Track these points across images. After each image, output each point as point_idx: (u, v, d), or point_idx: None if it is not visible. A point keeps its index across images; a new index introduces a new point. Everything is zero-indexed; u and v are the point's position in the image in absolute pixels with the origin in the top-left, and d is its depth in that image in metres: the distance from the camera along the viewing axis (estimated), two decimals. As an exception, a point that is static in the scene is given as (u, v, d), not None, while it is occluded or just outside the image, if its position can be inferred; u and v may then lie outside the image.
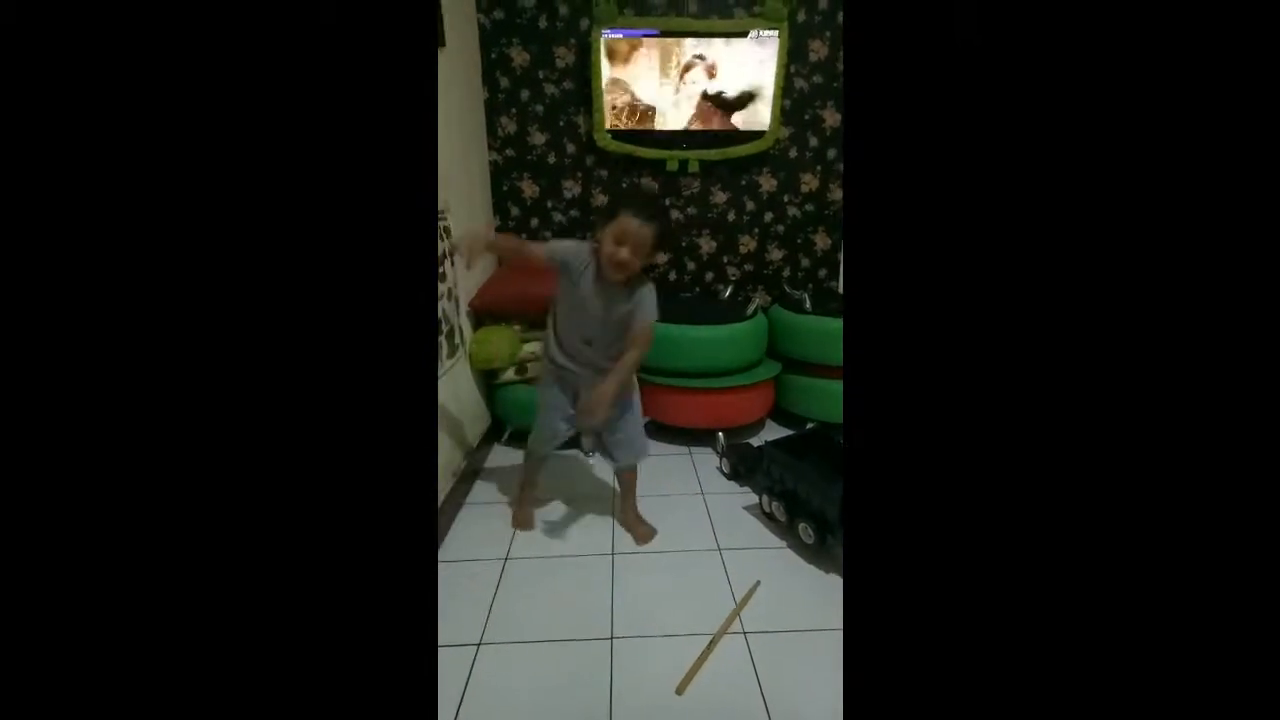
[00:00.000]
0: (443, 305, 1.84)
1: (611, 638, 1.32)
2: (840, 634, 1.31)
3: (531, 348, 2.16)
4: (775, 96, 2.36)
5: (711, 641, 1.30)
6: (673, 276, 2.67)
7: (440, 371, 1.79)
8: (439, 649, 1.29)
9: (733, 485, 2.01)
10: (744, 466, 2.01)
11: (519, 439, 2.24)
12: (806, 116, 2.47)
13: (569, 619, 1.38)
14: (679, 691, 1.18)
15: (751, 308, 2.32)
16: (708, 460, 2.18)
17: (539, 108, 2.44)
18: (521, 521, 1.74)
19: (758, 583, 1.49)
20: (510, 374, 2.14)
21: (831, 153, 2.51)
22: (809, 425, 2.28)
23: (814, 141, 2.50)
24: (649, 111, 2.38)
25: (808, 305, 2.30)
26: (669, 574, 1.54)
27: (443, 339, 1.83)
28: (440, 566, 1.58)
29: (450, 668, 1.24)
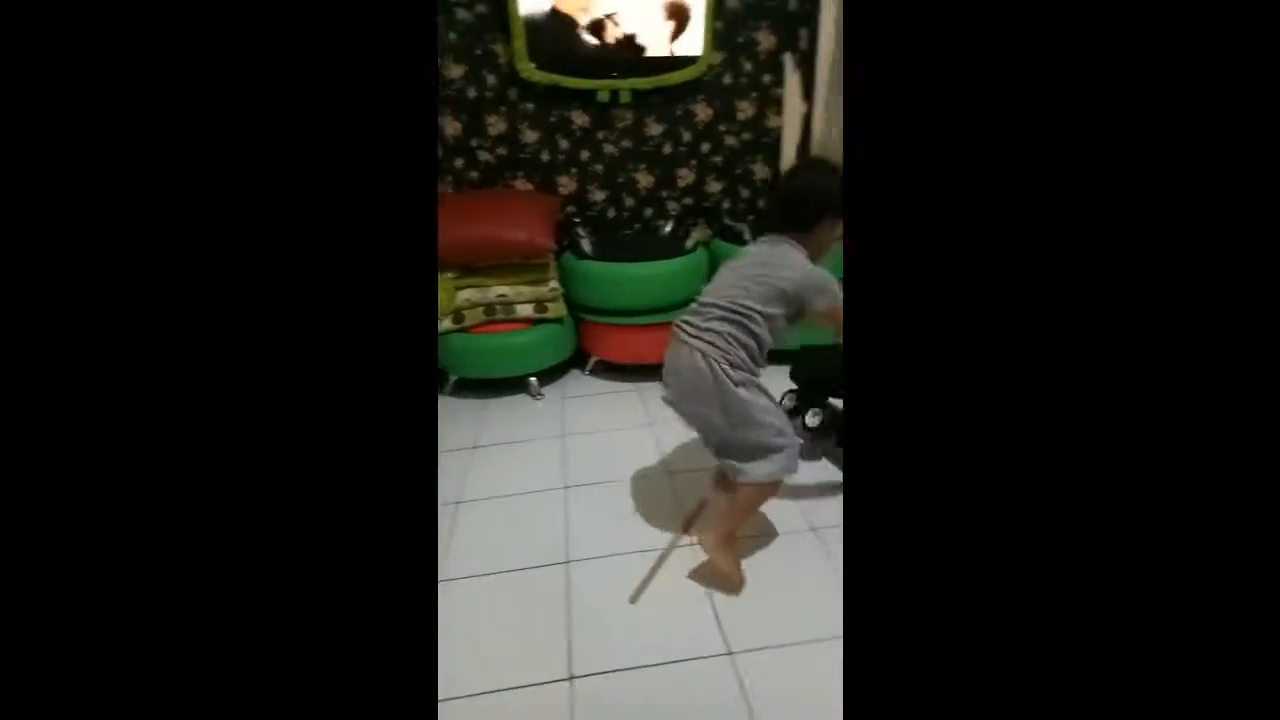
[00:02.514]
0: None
1: (567, 561, 1.37)
2: (771, 540, 1.42)
3: (467, 295, 2.10)
4: (707, 18, 2.28)
5: (662, 555, 1.37)
6: (611, 213, 2.62)
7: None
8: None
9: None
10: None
11: (465, 388, 2.22)
12: (740, 39, 2.40)
13: (524, 551, 1.42)
14: (632, 601, 1.25)
15: (691, 242, 2.32)
16: (655, 394, 2.22)
17: (452, 35, 2.27)
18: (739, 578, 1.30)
19: (704, 500, 1.57)
20: (448, 323, 2.09)
21: (767, 78, 2.47)
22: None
23: (748, 66, 2.45)
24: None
25: (747, 236, 2.32)
26: (619, 500, 1.59)
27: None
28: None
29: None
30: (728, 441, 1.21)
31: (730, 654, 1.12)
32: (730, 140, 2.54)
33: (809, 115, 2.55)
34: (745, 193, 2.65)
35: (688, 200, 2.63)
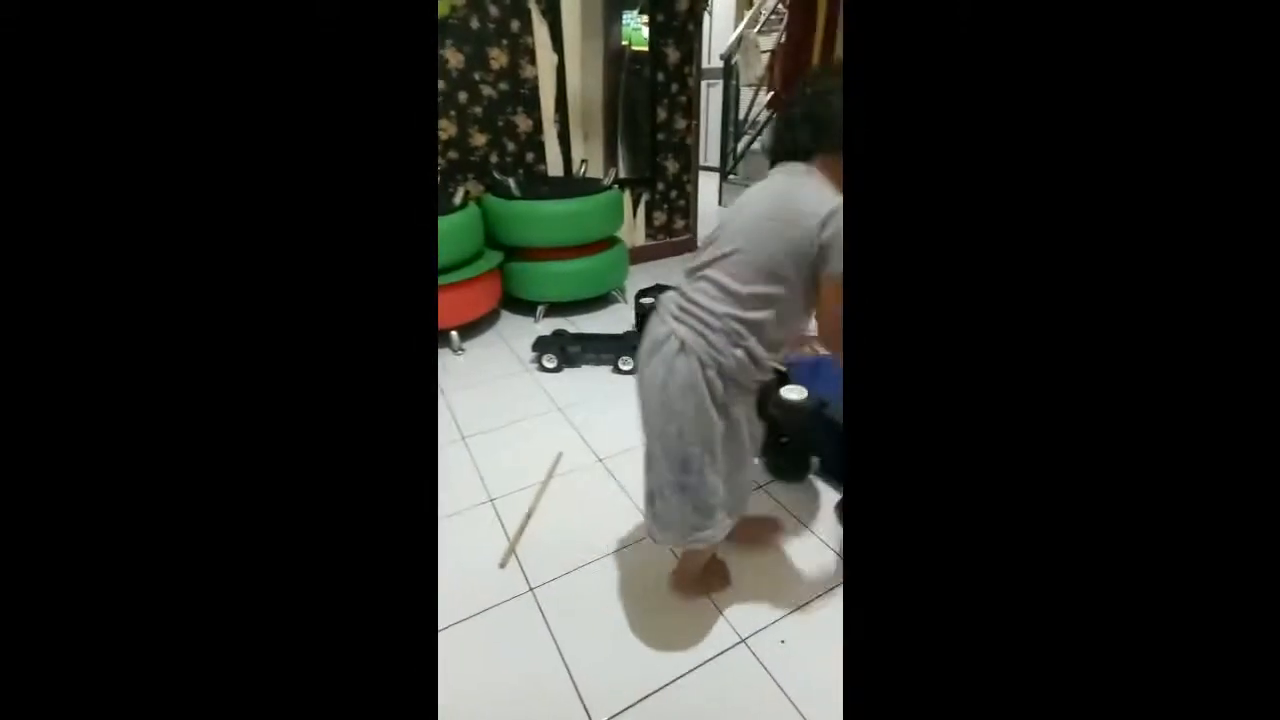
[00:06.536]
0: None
1: (531, 590, 1.21)
2: (609, 463, 1.48)
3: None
4: (444, -51, 2.10)
5: (526, 515, 1.37)
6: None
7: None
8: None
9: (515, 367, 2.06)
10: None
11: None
12: (481, -20, 2.28)
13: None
14: (501, 566, 1.23)
15: (459, 198, 2.20)
16: (444, 355, 2.15)
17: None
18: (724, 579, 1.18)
19: (560, 453, 1.59)
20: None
21: (515, 24, 2.41)
22: (539, 306, 2.43)
23: (495, 11, 2.35)
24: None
25: (516, 191, 2.31)
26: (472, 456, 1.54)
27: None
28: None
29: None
30: None
31: (744, 640, 1.08)
32: (488, 90, 2.44)
33: (562, 66, 2.60)
34: (511, 146, 2.60)
35: (453, 154, 2.46)
